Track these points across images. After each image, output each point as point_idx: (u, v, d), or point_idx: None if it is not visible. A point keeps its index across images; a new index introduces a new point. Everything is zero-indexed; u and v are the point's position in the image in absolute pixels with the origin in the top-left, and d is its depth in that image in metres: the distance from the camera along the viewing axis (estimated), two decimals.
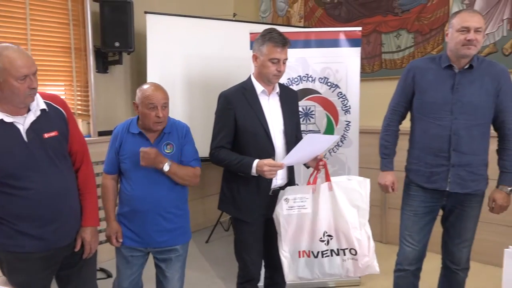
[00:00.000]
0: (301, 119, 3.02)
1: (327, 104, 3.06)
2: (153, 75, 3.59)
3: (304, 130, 3.05)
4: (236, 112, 2.12)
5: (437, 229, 2.33)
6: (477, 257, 2.62)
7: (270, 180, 2.14)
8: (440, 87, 2.12)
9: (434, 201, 2.21)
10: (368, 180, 2.09)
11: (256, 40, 2.14)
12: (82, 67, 3.45)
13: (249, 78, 2.21)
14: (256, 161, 2.03)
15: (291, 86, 3.00)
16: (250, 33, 2.96)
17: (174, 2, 4.13)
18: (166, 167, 2.00)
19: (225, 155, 2.12)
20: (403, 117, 2.32)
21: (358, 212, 2.06)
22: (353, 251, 2.05)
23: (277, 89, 2.22)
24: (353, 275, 2.12)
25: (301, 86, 3.04)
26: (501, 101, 2.10)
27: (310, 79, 3.05)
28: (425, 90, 2.16)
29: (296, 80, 3.03)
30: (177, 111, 3.74)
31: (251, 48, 2.94)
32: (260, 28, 3.76)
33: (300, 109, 3.02)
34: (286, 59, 2.13)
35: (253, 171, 2.04)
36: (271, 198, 2.15)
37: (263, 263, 2.33)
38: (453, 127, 2.09)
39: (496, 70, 2.11)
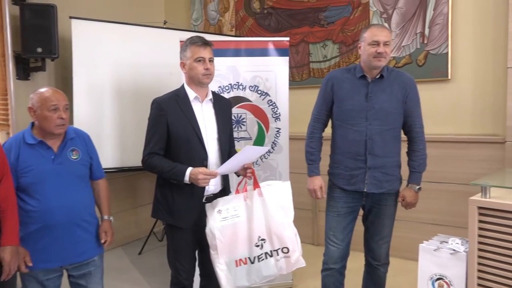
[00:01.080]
0: (233, 127, 3.10)
1: (257, 112, 3.14)
2: (79, 82, 3.46)
3: (235, 137, 3.10)
4: (168, 118, 2.13)
5: (360, 229, 2.46)
6: (395, 253, 2.79)
7: (204, 187, 2.15)
8: (356, 96, 2.27)
9: (355, 202, 2.34)
10: (288, 182, 2.19)
11: (181, 49, 2.21)
12: (0, 73, 3.25)
13: (182, 86, 2.24)
14: (189, 169, 2.04)
15: (222, 94, 3.04)
16: (181, 41, 2.94)
17: (102, 7, 4.02)
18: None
19: (157, 161, 2.12)
20: (325, 125, 2.44)
21: (285, 212, 2.14)
22: (285, 250, 2.11)
23: (210, 96, 2.24)
24: (285, 272, 2.17)
25: (232, 94, 3.08)
26: (409, 107, 2.29)
27: (240, 87, 3.10)
28: (342, 99, 2.29)
29: (227, 88, 3.08)
30: (107, 119, 3.63)
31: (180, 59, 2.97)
32: (191, 36, 3.78)
33: (232, 117, 3.09)
34: (212, 58, 2.17)
35: (186, 179, 2.04)
36: (205, 204, 2.15)
37: (198, 272, 2.33)
38: (368, 132, 2.24)
39: (404, 79, 2.30)
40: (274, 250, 2.11)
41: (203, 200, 2.17)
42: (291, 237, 2.12)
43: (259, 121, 3.14)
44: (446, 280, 1.99)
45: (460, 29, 3.39)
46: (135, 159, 3.73)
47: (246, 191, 2.14)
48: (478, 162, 3.25)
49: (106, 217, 2.22)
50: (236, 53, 3.11)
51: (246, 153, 2.10)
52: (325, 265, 2.41)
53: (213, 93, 2.29)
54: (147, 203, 4.27)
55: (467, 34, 3.37)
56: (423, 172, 2.33)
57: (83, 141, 2.13)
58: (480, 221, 1.88)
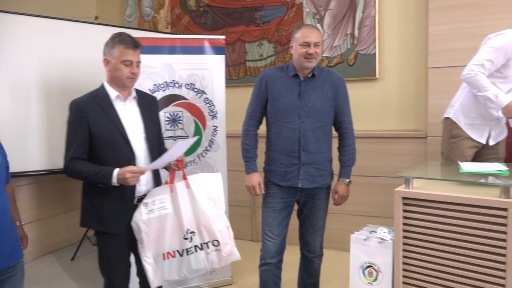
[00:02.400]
0: (169, 125, 3.06)
1: (194, 110, 3.12)
2: (2, 81, 3.24)
3: (172, 136, 3.07)
4: (89, 120, 2.03)
5: (295, 223, 2.54)
6: (329, 245, 2.90)
7: (134, 188, 2.09)
8: (289, 94, 2.33)
9: (290, 197, 2.41)
10: (218, 174, 2.20)
11: (106, 44, 2.09)
12: None
13: (102, 85, 2.14)
14: (116, 170, 1.98)
15: (157, 92, 2.99)
16: None
17: (29, 1, 3.78)
18: None
19: (81, 166, 2.02)
20: (260, 122, 2.48)
21: (215, 204, 2.13)
22: (215, 243, 2.10)
23: (134, 94, 2.18)
24: (218, 266, 2.17)
25: (168, 92, 3.04)
26: (339, 104, 2.40)
27: (176, 85, 3.07)
28: (276, 97, 2.35)
29: (162, 86, 3.03)
30: (34, 120, 3.43)
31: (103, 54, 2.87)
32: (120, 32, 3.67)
33: (167, 115, 3.05)
34: (139, 62, 2.10)
35: (114, 180, 1.97)
36: (136, 207, 2.09)
37: (135, 271, 2.27)
38: (301, 130, 2.31)
39: (334, 78, 2.40)
40: (204, 243, 2.10)
41: (135, 202, 2.11)
42: (222, 230, 2.12)
43: (195, 119, 3.13)
44: (375, 268, 2.11)
45: (386, 31, 3.60)
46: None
47: (172, 182, 2.11)
48: (403, 156, 3.47)
49: (18, 223, 2.12)
50: (172, 50, 3.07)
51: (177, 147, 2.08)
52: (262, 260, 2.45)
53: (137, 90, 2.22)
54: (78, 207, 4.09)
55: (393, 36, 3.58)
56: (353, 166, 2.45)
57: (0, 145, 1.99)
58: (404, 211, 2.00)
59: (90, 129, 2.03)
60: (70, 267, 3.59)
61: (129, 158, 2.07)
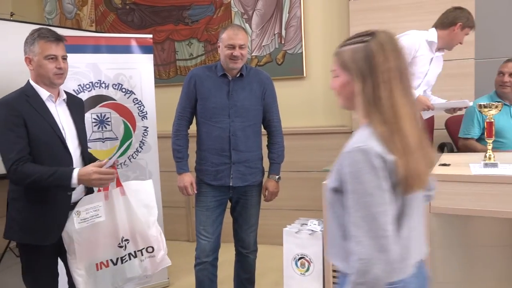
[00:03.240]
0: (96, 127, 2.95)
1: (123, 111, 3.04)
2: None
3: (100, 138, 2.97)
4: (26, 121, 1.87)
5: (229, 221, 2.57)
6: (263, 240, 2.97)
7: (70, 195, 1.99)
8: (218, 94, 2.35)
9: (222, 195, 2.44)
10: (150, 181, 2.18)
11: (26, 42, 1.96)
12: None
13: (29, 84, 1.99)
14: (76, 170, 1.84)
15: (82, 93, 2.87)
16: None
17: None
18: None
19: (32, 168, 1.82)
20: (190, 122, 2.48)
21: (148, 211, 2.12)
22: (150, 249, 2.10)
23: (64, 96, 2.07)
24: (150, 273, 2.16)
25: (94, 92, 2.93)
26: (267, 103, 2.46)
27: (103, 85, 2.97)
28: (206, 97, 2.36)
29: (88, 86, 2.91)
30: None
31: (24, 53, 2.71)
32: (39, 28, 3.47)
33: (94, 116, 2.94)
34: (65, 56, 1.99)
35: (74, 181, 1.83)
36: (68, 216, 1.98)
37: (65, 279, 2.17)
38: (231, 129, 2.35)
39: (261, 77, 2.46)
40: (138, 251, 2.08)
41: (70, 210, 1.98)
42: (156, 236, 2.12)
43: (125, 120, 3.05)
44: (307, 259, 2.21)
45: (311, 31, 3.74)
46: None
47: (107, 190, 2.05)
48: (330, 150, 3.61)
49: None
50: (96, 49, 2.97)
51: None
52: (197, 260, 2.46)
53: (66, 92, 2.11)
54: (1, 216, 3.82)
55: (318, 36, 3.74)
56: (282, 163, 2.53)
57: None
58: None
59: (28, 131, 1.87)
60: (7, 281, 3.34)
61: (67, 162, 1.96)
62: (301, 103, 3.79)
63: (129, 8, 4.19)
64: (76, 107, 2.15)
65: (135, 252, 2.08)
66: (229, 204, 2.53)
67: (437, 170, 1.94)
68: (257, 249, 2.58)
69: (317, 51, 3.74)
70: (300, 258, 2.23)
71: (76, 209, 1.97)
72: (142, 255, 2.09)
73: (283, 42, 3.80)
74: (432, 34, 2.63)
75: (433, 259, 1.89)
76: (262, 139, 2.51)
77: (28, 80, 2.00)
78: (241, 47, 2.28)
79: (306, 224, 2.31)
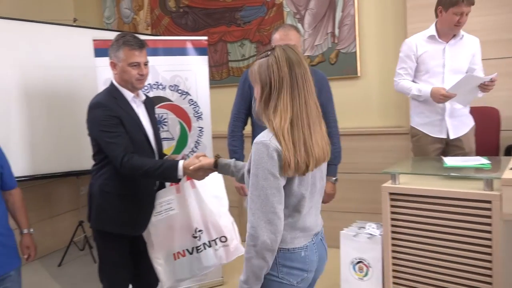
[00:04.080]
0: None
1: (179, 111, 3.11)
2: None
3: None
4: (122, 119, 1.99)
5: None
6: None
7: (156, 189, 2.12)
8: None
9: None
10: (220, 175, 2.20)
11: (111, 47, 2.06)
12: None
13: (113, 85, 2.09)
14: (181, 162, 1.90)
15: None
16: (94, 40, 2.84)
17: (4, 3, 3.69)
18: None
19: (141, 161, 1.92)
20: (245, 123, 2.49)
21: (219, 202, 2.18)
22: (223, 239, 2.15)
23: (143, 97, 2.18)
24: (226, 261, 2.21)
25: (152, 94, 3.02)
26: (322, 103, 2.39)
27: (160, 87, 3.05)
28: None
29: (146, 88, 3.00)
30: (14, 125, 3.36)
31: (96, 56, 2.83)
32: (104, 34, 3.63)
33: None
34: (147, 61, 2.08)
35: (180, 173, 1.90)
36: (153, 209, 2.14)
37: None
38: None
39: (318, 78, 2.41)
40: (212, 240, 2.14)
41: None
42: (228, 226, 2.17)
43: (181, 120, 3.12)
44: (365, 263, 2.16)
45: (366, 29, 3.65)
46: (49, 166, 3.51)
47: (178, 184, 2.13)
48: (385, 152, 3.54)
49: (26, 230, 2.09)
50: (154, 52, 3.05)
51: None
52: None
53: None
54: (64, 212, 4.03)
55: (372, 34, 3.64)
56: (338, 164, 2.49)
57: None
58: (392, 206, 2.06)
59: (125, 129, 1.99)
60: (58, 273, 3.53)
61: (152, 158, 2.09)
62: (355, 103, 3.71)
63: (183, 11, 4.28)
64: (150, 107, 2.26)
65: (209, 242, 2.14)
66: None
67: (507, 174, 1.83)
68: None
69: (372, 50, 3.65)
70: (358, 262, 2.19)
71: None
72: (216, 244, 2.14)
73: (336, 41, 3.74)
74: (431, 28, 2.70)
75: (505, 267, 1.79)
76: None
77: (112, 82, 2.10)
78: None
79: (364, 228, 2.26)
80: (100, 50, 2.80)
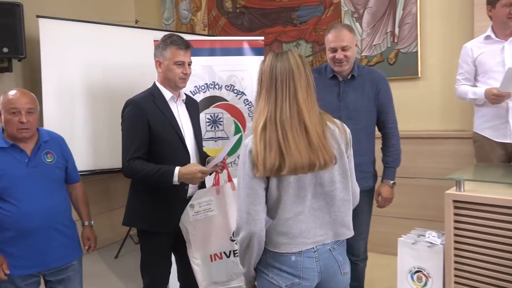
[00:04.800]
0: (209, 126, 3.09)
1: (234, 111, 3.13)
2: (48, 83, 3.36)
3: (213, 137, 3.10)
4: (150, 120, 2.03)
5: None
6: (373, 248, 2.84)
7: (187, 189, 2.11)
8: (328, 96, 2.27)
9: None
10: None
11: (157, 46, 2.12)
12: None
13: (155, 85, 2.15)
14: (177, 169, 1.96)
15: (198, 94, 3.02)
16: (154, 40, 2.92)
17: (70, 6, 3.90)
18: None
19: (140, 166, 1.99)
20: None
21: None
22: None
23: (184, 96, 2.21)
24: None
25: (208, 93, 3.07)
26: (381, 103, 2.34)
27: (217, 86, 3.09)
28: None
29: (203, 88, 3.06)
30: (78, 121, 3.54)
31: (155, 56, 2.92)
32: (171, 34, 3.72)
33: (208, 116, 3.08)
34: (191, 62, 2.13)
35: (175, 179, 1.95)
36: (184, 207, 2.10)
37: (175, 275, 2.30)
38: None
39: (374, 76, 2.34)
40: None
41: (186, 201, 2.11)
42: None
43: (236, 120, 3.14)
44: (425, 273, 2.05)
45: (428, 28, 3.49)
46: (108, 161, 3.67)
47: (218, 184, 2.11)
48: (447, 157, 3.36)
49: (87, 222, 2.18)
50: (212, 52, 3.10)
51: (227, 147, 2.10)
52: None
53: (184, 94, 2.26)
54: (122, 206, 4.16)
55: (435, 33, 3.48)
56: (397, 167, 2.39)
57: (58, 144, 2.08)
58: (456, 214, 1.94)
59: (151, 129, 2.03)
60: (114, 265, 3.69)
61: (184, 159, 2.09)
62: (414, 105, 3.56)
63: (239, 11, 4.32)
64: (194, 108, 2.28)
65: None
66: None
67: None
68: (367, 257, 2.48)
69: (434, 49, 3.49)
70: (416, 272, 2.08)
71: (190, 202, 2.09)
72: None
73: (396, 40, 3.61)
74: (488, 30, 2.63)
75: None
76: (377, 142, 2.39)
77: (154, 82, 2.17)
78: (344, 49, 2.20)
79: (424, 236, 2.14)
80: None
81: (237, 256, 2.09)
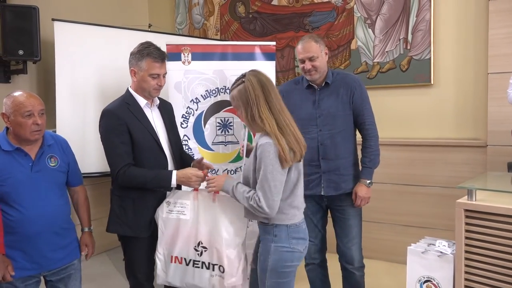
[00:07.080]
0: (219, 131, 3.09)
1: None
2: (62, 85, 3.39)
3: (223, 142, 3.10)
4: (129, 127, 2.06)
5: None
6: (381, 256, 2.82)
7: (165, 194, 2.15)
8: (304, 104, 2.37)
9: (317, 204, 2.44)
10: None
11: (133, 55, 2.14)
12: None
13: (128, 92, 2.19)
14: (174, 172, 2.03)
15: (208, 98, 3.03)
16: (167, 45, 2.94)
17: (85, 10, 3.96)
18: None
19: (137, 172, 2.04)
20: None
21: (236, 231, 1.99)
22: (221, 268, 1.98)
23: (157, 101, 2.25)
24: None
25: (219, 98, 3.07)
26: (356, 106, 2.37)
27: (228, 91, 3.09)
28: (293, 110, 2.20)
29: (214, 92, 3.06)
30: (91, 124, 3.57)
31: (168, 60, 2.93)
32: (177, 39, 3.76)
33: (218, 120, 3.08)
34: (165, 73, 2.17)
35: (174, 182, 2.01)
36: None
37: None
38: (319, 138, 2.33)
39: (348, 81, 2.37)
40: (212, 264, 2.00)
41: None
42: (232, 259, 1.96)
43: (246, 125, 3.13)
44: (434, 282, 2.02)
45: (442, 35, 3.47)
46: None
47: (197, 190, 2.08)
48: (460, 165, 3.32)
49: (86, 228, 2.19)
50: (223, 57, 3.11)
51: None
52: (306, 260, 2.51)
53: (158, 97, 2.28)
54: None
55: (449, 40, 3.45)
56: (374, 167, 2.39)
57: (61, 147, 2.08)
58: (467, 224, 1.91)
59: (131, 136, 2.06)
60: (122, 266, 3.67)
61: (163, 163, 2.14)
62: (427, 112, 3.52)
63: (252, 16, 4.33)
64: (167, 111, 2.33)
65: (208, 263, 2.01)
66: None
67: None
68: (364, 266, 2.46)
69: (448, 56, 3.45)
70: (426, 281, 2.05)
71: (168, 198, 2.10)
72: (214, 270, 2.00)
73: (408, 47, 3.58)
74: None
75: None
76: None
77: (128, 88, 2.20)
78: (311, 59, 2.29)
79: (434, 244, 2.11)
80: (172, 54, 2.91)
81: (196, 267, 2.03)
